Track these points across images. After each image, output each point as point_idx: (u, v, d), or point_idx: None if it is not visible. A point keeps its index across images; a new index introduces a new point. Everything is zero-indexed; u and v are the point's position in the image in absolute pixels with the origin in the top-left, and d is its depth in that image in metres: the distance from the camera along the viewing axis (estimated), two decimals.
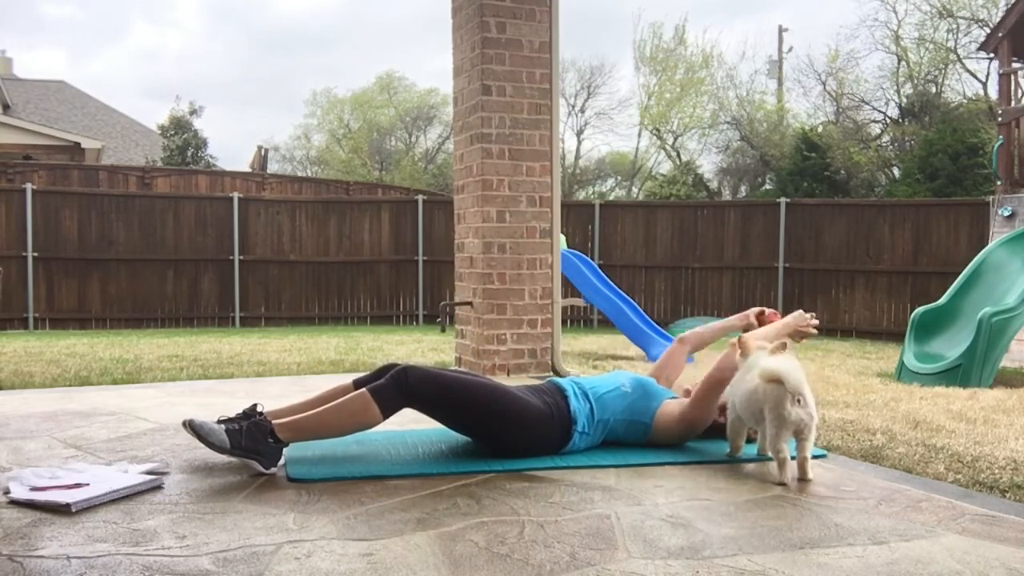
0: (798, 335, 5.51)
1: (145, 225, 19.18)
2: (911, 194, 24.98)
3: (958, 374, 10.94)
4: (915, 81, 32.73)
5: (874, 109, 34.23)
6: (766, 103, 38.87)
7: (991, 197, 17.06)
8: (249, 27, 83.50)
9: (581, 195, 42.44)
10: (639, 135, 42.68)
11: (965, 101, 30.60)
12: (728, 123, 37.49)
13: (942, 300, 12.51)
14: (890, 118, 33.25)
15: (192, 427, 4.70)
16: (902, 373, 11.50)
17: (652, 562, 3.46)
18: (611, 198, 39.55)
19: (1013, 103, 17.74)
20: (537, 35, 8.61)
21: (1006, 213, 15.69)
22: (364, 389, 4.89)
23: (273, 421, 4.80)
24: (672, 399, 5.44)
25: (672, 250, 20.36)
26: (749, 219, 20.10)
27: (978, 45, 24.19)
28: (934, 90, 32.25)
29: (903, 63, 32.81)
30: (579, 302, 14.33)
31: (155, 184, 23.41)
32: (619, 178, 45.41)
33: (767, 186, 34.62)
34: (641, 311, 14.07)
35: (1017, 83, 18.00)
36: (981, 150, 23.87)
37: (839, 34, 69.51)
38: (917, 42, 32.56)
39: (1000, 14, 24.85)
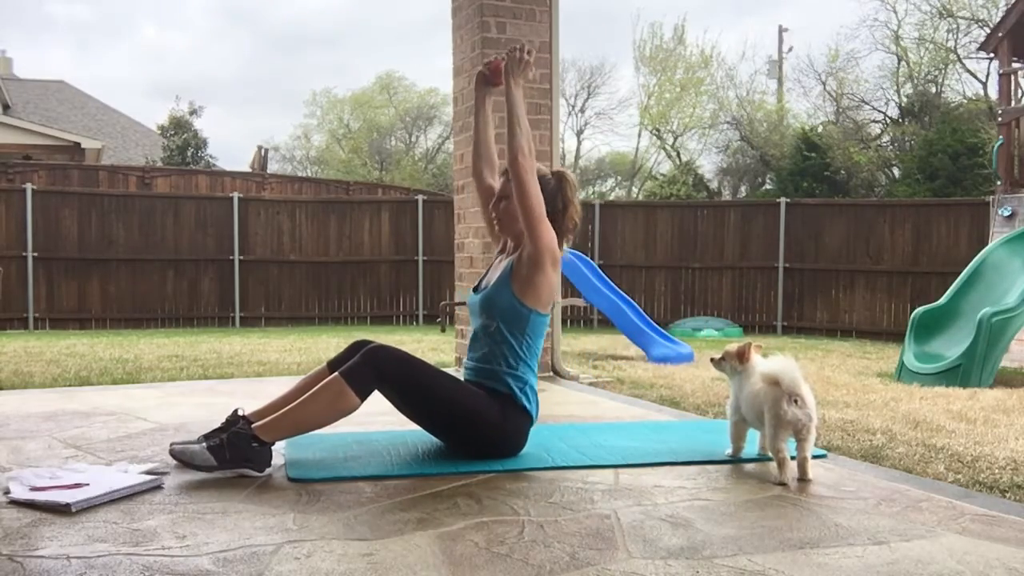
0: (523, 67, 5.23)
1: (145, 225, 19.20)
2: (911, 194, 25.00)
3: (958, 374, 10.91)
4: (915, 81, 32.77)
5: (874, 109, 34.30)
6: (766, 103, 38.94)
7: (991, 197, 17.03)
8: (254, 27, 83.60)
9: (581, 195, 42.08)
10: (639, 135, 42.81)
11: (965, 101, 30.60)
12: (728, 123, 37.54)
13: (942, 300, 12.47)
14: (890, 118, 33.27)
15: (175, 456, 4.75)
16: (902, 373, 11.49)
17: (652, 562, 3.46)
18: (611, 198, 39.55)
19: (1013, 103, 17.73)
20: (537, 35, 8.62)
21: (1006, 213, 15.67)
22: (336, 373, 4.82)
23: (253, 424, 4.79)
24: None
25: (672, 250, 20.33)
26: (749, 219, 20.09)
27: (978, 45, 24.19)
28: (934, 90, 32.27)
29: (903, 63, 32.84)
30: (579, 302, 14.35)
31: (155, 184, 23.38)
32: (619, 178, 45.48)
33: (767, 186, 34.62)
34: (641, 311, 14.06)
35: (1017, 83, 17.98)
36: (981, 150, 23.85)
37: (839, 34, 69.71)
38: (917, 42, 32.63)
39: (1000, 14, 24.83)
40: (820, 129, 32.47)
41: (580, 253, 15.46)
